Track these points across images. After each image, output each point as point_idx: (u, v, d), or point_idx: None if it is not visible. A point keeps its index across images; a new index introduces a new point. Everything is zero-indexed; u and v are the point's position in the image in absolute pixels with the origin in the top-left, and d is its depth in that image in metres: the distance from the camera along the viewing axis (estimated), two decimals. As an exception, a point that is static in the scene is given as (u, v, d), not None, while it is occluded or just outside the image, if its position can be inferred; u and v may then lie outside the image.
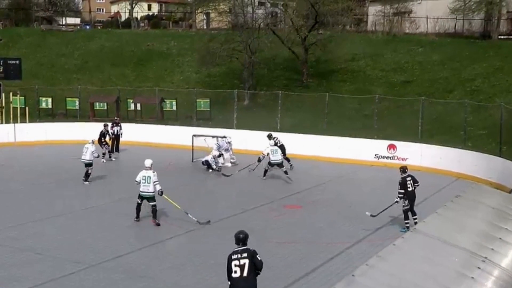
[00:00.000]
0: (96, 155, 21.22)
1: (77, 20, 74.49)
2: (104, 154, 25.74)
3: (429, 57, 40.91)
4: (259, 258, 8.68)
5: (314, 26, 41.36)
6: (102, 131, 26.02)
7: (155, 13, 77.67)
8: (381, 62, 42.17)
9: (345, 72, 42.16)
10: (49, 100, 37.03)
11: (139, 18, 70.52)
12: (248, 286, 8.53)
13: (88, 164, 20.72)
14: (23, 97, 34.65)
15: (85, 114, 35.46)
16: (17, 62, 33.54)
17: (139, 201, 15.65)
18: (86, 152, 20.68)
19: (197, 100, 35.88)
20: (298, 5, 43.68)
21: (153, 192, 15.45)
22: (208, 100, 35.76)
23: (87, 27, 67.00)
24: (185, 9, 73.56)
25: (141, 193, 15.53)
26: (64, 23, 70.30)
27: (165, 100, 36.56)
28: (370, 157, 26.06)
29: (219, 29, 49.61)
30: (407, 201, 15.11)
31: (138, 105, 36.26)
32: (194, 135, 25.37)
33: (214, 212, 16.45)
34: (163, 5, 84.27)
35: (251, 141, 26.14)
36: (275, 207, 17.59)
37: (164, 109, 36.38)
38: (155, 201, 15.49)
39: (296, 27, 40.60)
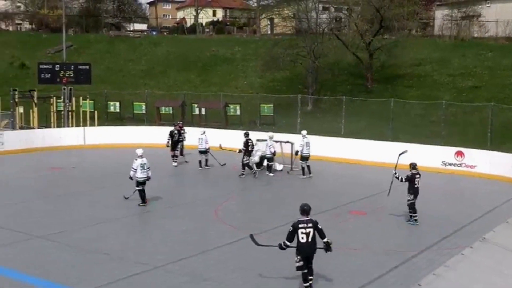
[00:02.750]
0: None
1: (144, 26, 76.28)
2: (176, 157, 25.81)
3: (499, 62, 39.76)
4: (320, 227, 10.64)
5: (379, 30, 40.90)
6: (171, 131, 26.21)
7: (220, 19, 78.56)
8: (448, 67, 41.27)
9: (411, 77, 41.47)
10: (117, 104, 38.04)
11: (204, 24, 71.52)
12: (312, 250, 10.64)
13: (203, 152, 24.58)
14: (92, 101, 35.67)
15: (152, 118, 36.21)
16: (87, 67, 34.52)
17: (141, 188, 17.50)
18: (201, 142, 24.54)
19: (261, 105, 36.06)
20: (363, 10, 43.27)
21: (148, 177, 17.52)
22: (272, 105, 35.87)
23: (154, 33, 68.49)
24: (249, 14, 74.20)
25: (140, 179, 17.44)
26: (131, 29, 72.04)
27: (229, 105, 36.91)
28: (437, 164, 25.47)
29: (283, 34, 49.86)
30: (412, 195, 15.97)
31: (203, 110, 36.74)
32: (257, 140, 25.39)
33: (278, 214, 16.44)
34: (228, 11, 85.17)
35: (314, 146, 25.94)
36: (339, 213, 17.44)
37: (228, 114, 36.72)
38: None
39: (361, 32, 40.24)
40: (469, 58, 41.94)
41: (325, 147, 26.85)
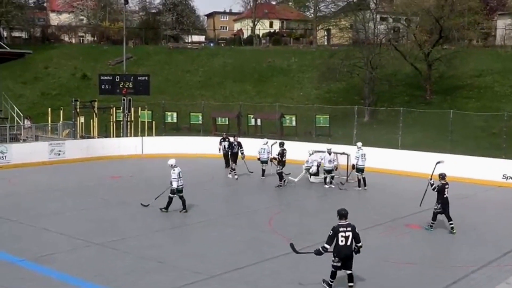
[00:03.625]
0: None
1: (201, 38, 77.29)
2: (233, 169, 25.43)
3: None
4: (357, 231, 11.20)
5: (438, 41, 40.26)
6: (231, 142, 26.22)
7: (277, 30, 78.85)
8: (510, 78, 40.21)
9: (471, 88, 40.58)
10: (174, 114, 38.66)
11: (261, 35, 71.95)
12: (350, 252, 11.15)
13: (264, 162, 24.74)
14: (150, 112, 36.33)
15: (208, 129, 36.58)
16: (146, 78, 35.21)
17: (181, 195, 18.00)
18: (264, 152, 24.74)
19: (317, 116, 35.95)
20: (422, 20, 42.72)
21: None
22: (328, 116, 35.73)
23: (211, 44, 69.34)
24: (306, 25, 74.21)
25: (180, 187, 17.94)
26: (189, 41, 73.11)
27: (285, 116, 36.94)
28: (497, 177, 24.75)
29: (339, 45, 49.68)
30: (440, 205, 16.27)
31: (259, 121, 36.90)
32: (315, 151, 25.27)
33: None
34: (285, 22, 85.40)
35: (371, 157, 25.62)
36: (396, 226, 17.16)
37: (283, 125, 36.75)
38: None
39: (419, 43, 39.72)
40: (532, 69, 40.79)
41: (381, 159, 26.51)
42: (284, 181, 23.43)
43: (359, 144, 23.53)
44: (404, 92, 41.94)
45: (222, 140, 27.72)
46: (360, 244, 11.25)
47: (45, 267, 12.65)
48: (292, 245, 12.06)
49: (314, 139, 33.29)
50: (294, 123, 36.77)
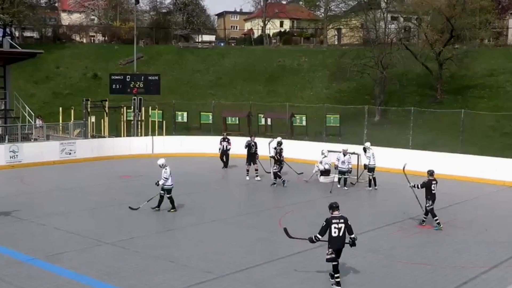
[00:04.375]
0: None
1: (212, 38, 77.32)
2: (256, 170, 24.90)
3: None
4: (350, 224, 11.54)
5: (450, 40, 40.07)
6: (248, 142, 25.40)
7: (287, 30, 78.76)
8: (522, 78, 39.95)
9: (483, 88, 40.37)
10: (185, 114, 38.72)
11: (271, 35, 71.88)
12: (342, 243, 11.54)
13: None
14: (161, 111, 36.39)
15: (218, 128, 36.58)
16: (157, 78, 35.30)
17: (170, 195, 18.04)
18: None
19: (327, 115, 35.90)
20: (433, 19, 42.54)
21: None
22: (338, 115, 35.67)
23: (222, 44, 69.38)
24: (316, 25, 74.10)
25: (171, 186, 18.03)
26: (200, 40, 73.20)
27: (295, 115, 36.90)
28: (509, 177, 24.60)
29: (350, 44, 49.61)
30: (431, 201, 16.52)
31: (269, 120, 36.90)
32: (329, 151, 25.11)
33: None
34: (295, 21, 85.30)
35: (382, 157, 25.56)
36: (405, 227, 17.09)
37: (294, 124, 36.72)
38: None
39: (430, 42, 39.57)
40: (545, 68, 40.51)
41: (392, 159, 26.35)
42: (284, 181, 23.30)
43: (367, 144, 23.45)
44: (415, 91, 41.79)
45: (222, 140, 27.69)
46: (353, 236, 11.58)
47: (55, 266, 12.70)
48: (285, 230, 12.58)
49: (324, 139, 33.22)
50: (304, 123, 36.75)
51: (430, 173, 16.79)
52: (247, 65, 52.71)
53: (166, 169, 18.06)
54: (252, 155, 24.89)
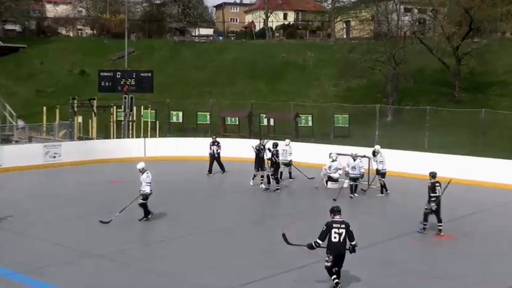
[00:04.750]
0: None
1: (210, 31, 77.30)
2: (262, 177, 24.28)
3: None
4: (351, 229, 11.72)
5: (468, 33, 39.87)
6: (258, 146, 24.69)
7: (291, 22, 78.67)
8: (548, 74, 39.81)
9: (505, 85, 40.22)
10: (180, 114, 38.60)
11: (274, 28, 71.79)
12: (343, 249, 11.71)
13: (286, 164, 24.68)
14: (154, 111, 36.27)
15: (216, 129, 36.44)
16: (149, 74, 35.13)
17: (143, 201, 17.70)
18: (285, 154, 24.61)
19: (335, 115, 35.80)
20: (450, 11, 42.39)
21: None
22: (347, 115, 35.56)
23: (220, 38, 69.32)
24: (323, 17, 73.93)
25: (151, 193, 17.72)
26: (196, 34, 73.12)
27: (300, 115, 36.77)
28: (537, 183, 24.47)
29: (360, 38, 49.42)
30: (432, 203, 16.70)
31: (272, 121, 36.74)
32: (338, 154, 24.88)
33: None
34: (300, 14, 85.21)
35: (395, 161, 25.39)
36: (423, 236, 16.92)
37: (299, 125, 36.59)
38: None
39: (447, 35, 39.38)
40: None
41: (407, 163, 26.22)
42: (278, 189, 23.14)
43: (377, 147, 23.24)
44: (431, 89, 41.61)
45: (211, 144, 27.35)
46: (354, 243, 11.73)
47: (37, 280, 12.54)
48: (284, 236, 12.71)
49: (332, 140, 33.07)
50: (310, 123, 36.60)
51: (433, 175, 17.05)
52: (248, 60, 52.58)
53: (147, 173, 17.86)
54: (261, 160, 24.32)
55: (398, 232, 17.21)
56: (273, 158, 23.25)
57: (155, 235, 16.78)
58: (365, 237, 15.85)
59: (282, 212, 20.56)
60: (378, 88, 42.06)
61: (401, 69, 39.91)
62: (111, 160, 30.12)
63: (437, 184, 16.88)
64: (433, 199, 16.74)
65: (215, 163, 27.16)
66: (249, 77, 49.30)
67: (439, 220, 16.80)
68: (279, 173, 23.77)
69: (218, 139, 27.85)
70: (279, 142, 24.76)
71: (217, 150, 27.16)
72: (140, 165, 18.06)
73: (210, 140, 27.81)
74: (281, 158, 24.41)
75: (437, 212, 16.79)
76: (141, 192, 17.75)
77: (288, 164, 25.21)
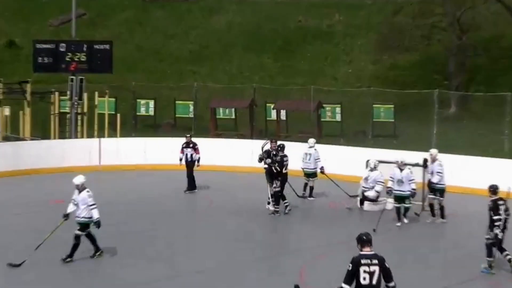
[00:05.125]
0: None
1: (194, -15, 77.27)
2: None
3: None
4: (388, 266, 11.21)
5: None
6: (268, 150, 24.30)
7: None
8: None
9: None
10: (151, 103, 38.67)
11: (286, -20, 71.78)
12: None
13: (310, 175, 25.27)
14: (113, 99, 36.26)
15: (204, 125, 36.43)
16: (107, 47, 35.11)
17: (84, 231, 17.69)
18: (309, 160, 25.29)
19: (374, 105, 35.84)
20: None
21: None
22: (392, 105, 35.60)
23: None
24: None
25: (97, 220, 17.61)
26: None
27: (324, 105, 36.69)
28: None
29: (409, -5, 49.37)
30: (496, 230, 16.52)
31: (283, 113, 36.68)
32: (379, 161, 24.82)
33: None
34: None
35: (460, 170, 25.31)
36: (501, 281, 16.87)
37: (322, 120, 36.52)
38: None
39: (537, -11, 39.41)
40: None
41: (478, 174, 26.10)
42: (286, 205, 23.18)
43: (434, 151, 22.90)
44: (513, 67, 41.72)
45: (184, 146, 26.78)
46: (392, 284, 11.31)
47: None
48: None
49: (370, 142, 33.06)
50: (338, 117, 36.57)
51: (493, 190, 16.93)
52: (249, 26, 52.61)
53: (89, 192, 17.86)
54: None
55: (462, 275, 17.10)
56: (274, 167, 23.13)
57: (126, 279, 16.57)
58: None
59: (297, 246, 20.44)
60: (436, 67, 42.15)
61: (470, 39, 39.91)
62: (52, 170, 30.08)
63: (501, 202, 16.77)
64: (496, 223, 16.61)
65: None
66: (250, 51, 49.34)
67: (502, 250, 16.79)
68: (287, 187, 23.62)
69: (194, 140, 27.11)
70: (287, 143, 24.62)
71: (192, 155, 26.93)
72: (79, 180, 18.00)
73: (194, 139, 27.37)
74: (303, 166, 24.39)
75: (500, 239, 16.72)
76: (84, 221, 17.67)
77: (314, 174, 25.15)
